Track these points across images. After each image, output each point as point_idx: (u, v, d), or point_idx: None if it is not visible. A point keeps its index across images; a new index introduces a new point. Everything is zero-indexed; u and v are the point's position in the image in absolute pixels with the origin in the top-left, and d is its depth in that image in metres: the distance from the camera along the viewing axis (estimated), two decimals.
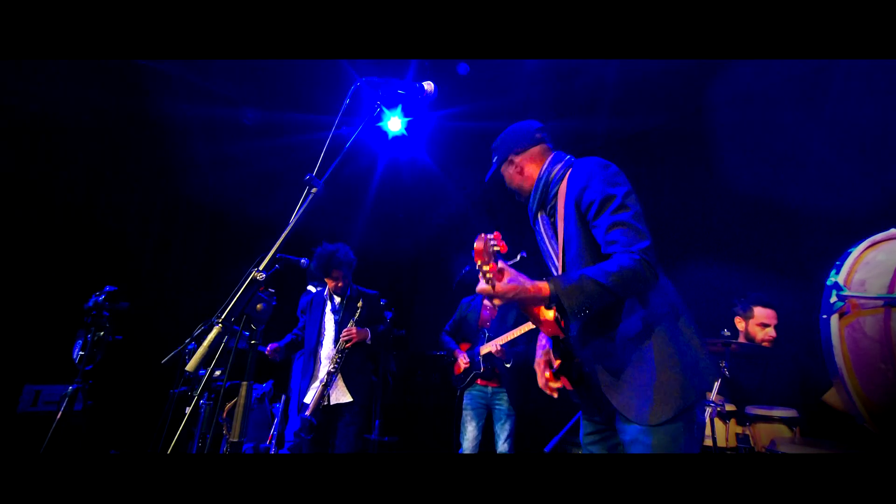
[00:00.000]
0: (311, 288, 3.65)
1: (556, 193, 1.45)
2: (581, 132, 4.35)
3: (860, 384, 1.13)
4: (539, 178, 1.49)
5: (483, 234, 1.14)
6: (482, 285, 1.18)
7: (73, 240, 3.92)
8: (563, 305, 1.20)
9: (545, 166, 1.50)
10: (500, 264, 1.19)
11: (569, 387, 1.41)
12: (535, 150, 1.55)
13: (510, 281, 1.18)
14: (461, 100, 4.31)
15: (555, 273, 1.48)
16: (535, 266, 2.03)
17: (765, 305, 2.70)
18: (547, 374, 1.43)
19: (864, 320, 1.14)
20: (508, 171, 1.57)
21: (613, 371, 1.30)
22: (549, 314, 1.32)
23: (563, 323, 1.35)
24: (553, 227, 1.47)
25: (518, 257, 1.32)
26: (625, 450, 1.31)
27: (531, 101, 4.08)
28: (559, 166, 1.47)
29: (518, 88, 4.02)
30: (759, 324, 2.69)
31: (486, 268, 1.15)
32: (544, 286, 1.21)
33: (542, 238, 1.53)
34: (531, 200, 1.54)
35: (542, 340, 1.53)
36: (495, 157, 1.59)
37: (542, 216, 1.53)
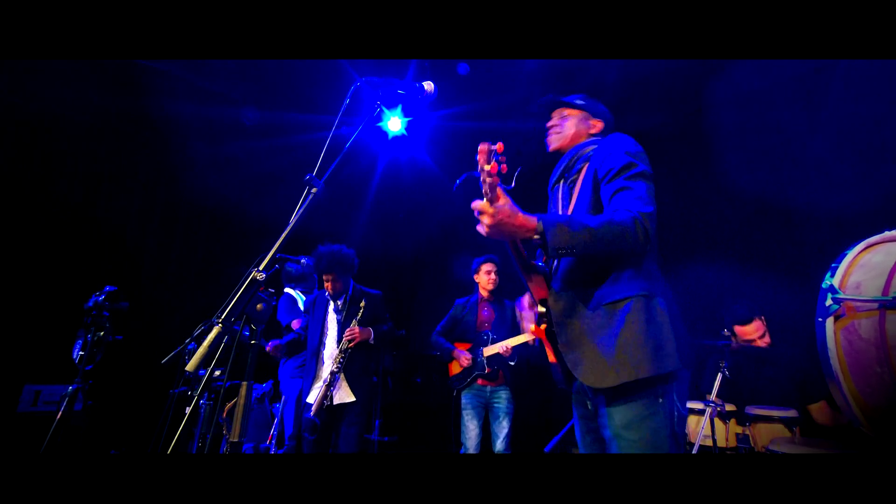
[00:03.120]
0: (288, 290, 3.64)
1: (581, 168, 1.49)
2: None
3: (856, 387, 1.13)
4: (574, 149, 1.53)
5: (487, 143, 1.16)
6: (480, 202, 1.19)
7: (73, 240, 3.92)
8: (547, 240, 1.19)
9: (586, 142, 1.55)
10: (498, 189, 1.19)
11: (552, 358, 1.42)
12: (600, 125, 1.59)
13: (508, 205, 1.18)
14: (461, 100, 4.31)
15: None
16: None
17: (742, 322, 2.63)
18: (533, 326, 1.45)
19: (859, 323, 1.14)
20: (575, 119, 1.57)
21: (578, 330, 1.32)
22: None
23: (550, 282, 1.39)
24: (569, 197, 1.51)
25: (513, 183, 1.33)
26: (606, 449, 1.31)
27: (531, 101, 4.08)
28: (593, 146, 1.52)
29: (518, 88, 4.02)
30: (745, 340, 2.65)
31: (487, 167, 1.15)
32: (533, 219, 1.21)
33: (557, 206, 1.55)
34: (558, 165, 1.57)
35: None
36: (581, 101, 1.59)
37: (561, 184, 1.56)
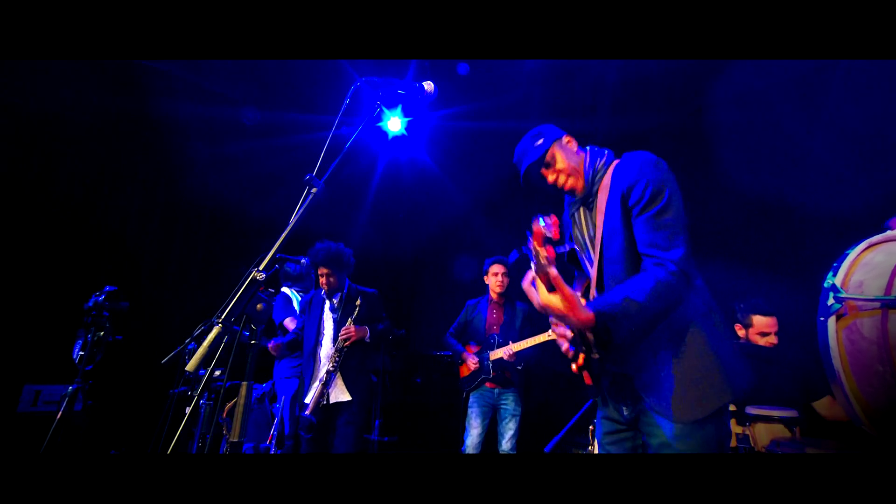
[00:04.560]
0: (285, 289, 3.64)
1: (599, 188, 1.44)
2: (581, 132, 4.35)
3: (858, 387, 1.13)
4: (586, 172, 1.47)
5: (539, 217, 1.13)
6: (543, 298, 1.17)
7: (73, 240, 3.92)
8: (612, 337, 1.21)
9: (587, 160, 1.48)
10: (554, 271, 1.14)
11: (588, 381, 1.40)
12: (573, 142, 1.53)
13: (570, 299, 1.15)
14: (461, 100, 4.32)
15: (588, 267, 1.47)
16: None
17: (764, 314, 2.62)
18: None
19: (861, 322, 1.13)
20: (558, 155, 1.49)
21: (648, 368, 1.29)
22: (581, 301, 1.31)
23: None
24: (591, 220, 1.47)
25: (567, 247, 1.32)
26: (649, 451, 1.31)
27: (531, 101, 4.08)
28: (601, 160, 1.47)
29: (518, 88, 4.03)
30: (758, 333, 2.64)
31: (542, 252, 1.13)
32: (588, 314, 1.18)
33: (581, 231, 1.51)
34: (576, 193, 1.51)
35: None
36: (540, 141, 1.50)
37: (581, 209, 1.52)
